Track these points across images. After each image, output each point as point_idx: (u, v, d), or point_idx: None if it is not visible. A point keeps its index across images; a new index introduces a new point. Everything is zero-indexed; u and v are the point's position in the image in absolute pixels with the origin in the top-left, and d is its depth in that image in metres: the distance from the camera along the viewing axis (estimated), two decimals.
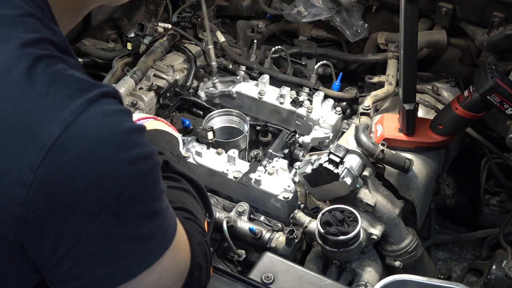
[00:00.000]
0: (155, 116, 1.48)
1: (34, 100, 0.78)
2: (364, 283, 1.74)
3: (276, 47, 2.33)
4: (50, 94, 0.78)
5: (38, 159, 0.77)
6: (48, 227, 0.80)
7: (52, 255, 0.82)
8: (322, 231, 1.64)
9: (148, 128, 1.38)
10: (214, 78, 2.29)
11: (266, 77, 2.20)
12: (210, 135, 1.92)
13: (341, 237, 1.63)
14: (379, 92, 2.05)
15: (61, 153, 0.77)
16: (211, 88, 2.26)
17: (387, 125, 1.90)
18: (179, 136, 1.47)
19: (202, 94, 2.25)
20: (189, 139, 1.97)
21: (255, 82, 2.24)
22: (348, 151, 1.74)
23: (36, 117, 0.77)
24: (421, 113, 2.02)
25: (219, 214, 1.80)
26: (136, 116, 1.46)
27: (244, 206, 1.83)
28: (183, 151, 1.46)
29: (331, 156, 1.71)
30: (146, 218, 0.85)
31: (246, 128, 2.05)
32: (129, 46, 2.21)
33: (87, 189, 0.78)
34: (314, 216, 1.77)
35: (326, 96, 2.17)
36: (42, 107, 0.78)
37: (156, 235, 0.87)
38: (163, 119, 1.48)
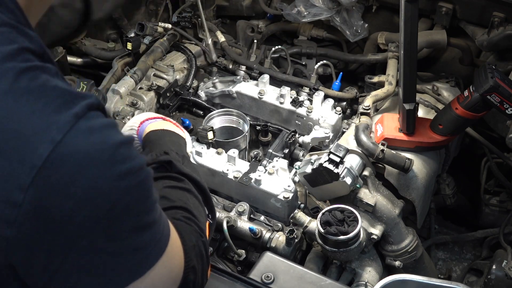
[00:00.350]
0: (164, 116, 1.46)
1: (20, 121, 0.77)
2: (364, 283, 1.74)
3: (276, 47, 2.33)
4: (36, 112, 0.77)
5: (28, 180, 0.76)
6: (38, 247, 0.79)
7: (43, 274, 0.82)
8: (322, 231, 1.64)
9: (155, 128, 1.38)
10: (214, 78, 2.29)
11: (266, 77, 2.20)
12: (210, 135, 1.92)
13: (341, 237, 1.63)
14: (379, 92, 2.05)
15: (50, 173, 0.76)
16: (211, 88, 2.26)
17: (387, 125, 1.90)
18: (187, 136, 1.45)
19: (202, 94, 2.25)
20: None
21: (255, 82, 2.24)
22: (348, 151, 1.74)
23: (23, 138, 0.76)
24: (421, 113, 2.02)
25: (219, 214, 1.79)
26: (145, 115, 1.45)
27: (244, 206, 1.83)
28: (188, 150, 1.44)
29: (331, 156, 1.71)
30: (139, 230, 0.85)
31: (246, 128, 2.05)
32: (129, 46, 2.21)
33: (78, 207, 0.78)
34: (314, 216, 1.77)
35: (326, 96, 2.17)
36: (29, 127, 0.76)
37: (150, 245, 0.87)
38: (171, 119, 1.46)
